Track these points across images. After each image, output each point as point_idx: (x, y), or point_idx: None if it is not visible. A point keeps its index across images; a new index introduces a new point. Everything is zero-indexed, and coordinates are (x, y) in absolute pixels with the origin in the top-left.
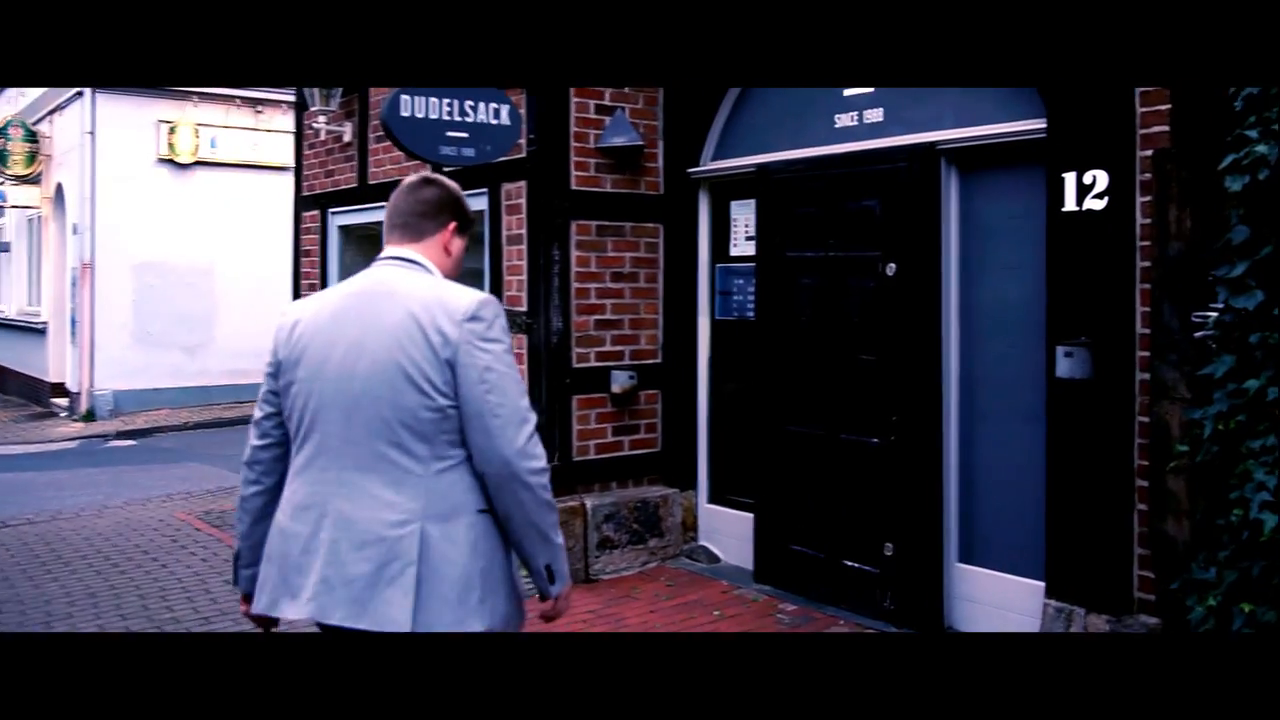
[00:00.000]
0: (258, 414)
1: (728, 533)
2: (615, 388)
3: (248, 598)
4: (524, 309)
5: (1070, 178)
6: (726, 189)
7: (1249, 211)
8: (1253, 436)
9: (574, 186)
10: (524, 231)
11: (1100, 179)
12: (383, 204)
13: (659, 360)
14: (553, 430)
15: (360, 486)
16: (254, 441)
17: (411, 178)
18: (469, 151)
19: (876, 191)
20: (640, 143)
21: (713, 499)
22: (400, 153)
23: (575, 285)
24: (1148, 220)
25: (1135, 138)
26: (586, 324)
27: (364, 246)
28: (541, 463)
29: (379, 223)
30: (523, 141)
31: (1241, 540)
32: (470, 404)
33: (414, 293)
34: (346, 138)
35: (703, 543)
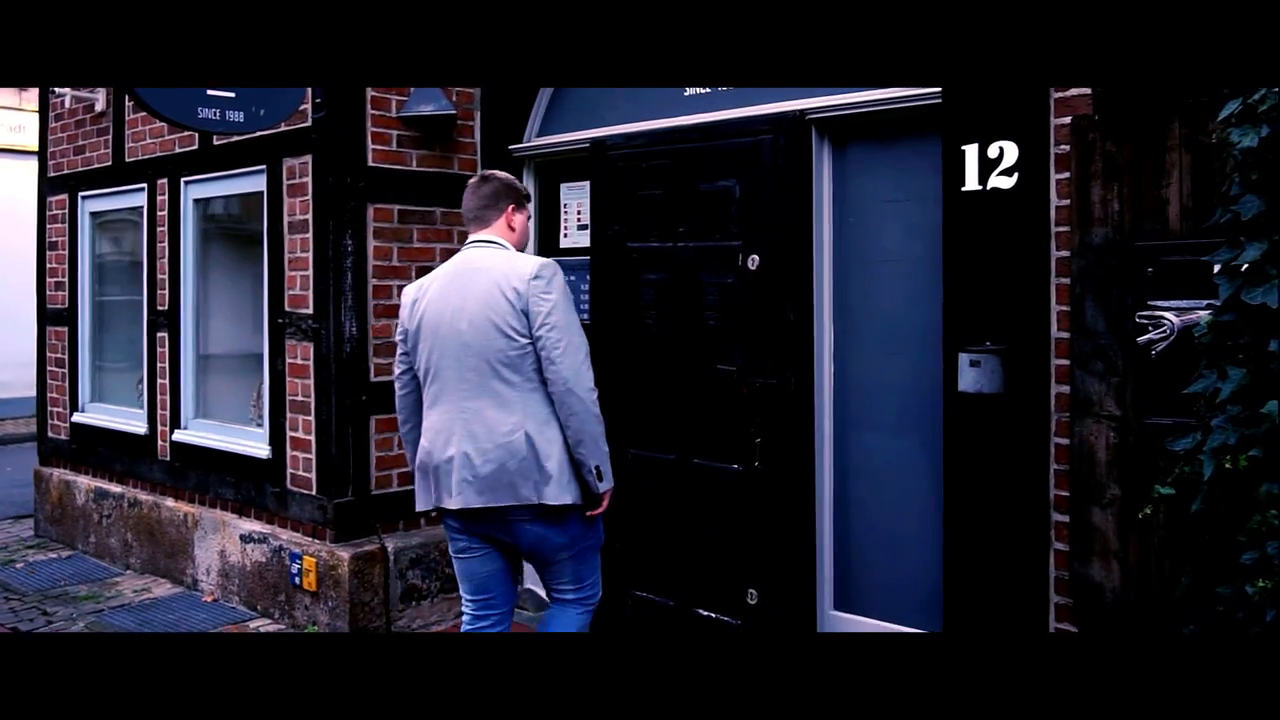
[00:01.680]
0: (396, 370)
1: None
2: None
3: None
4: (309, 311)
5: (971, 151)
6: (556, 169)
7: (1264, 176)
8: (1276, 478)
9: (371, 163)
10: (309, 217)
11: (1008, 152)
12: (143, 185)
13: None
14: (345, 459)
15: (476, 410)
16: (398, 392)
17: (472, 178)
18: (236, 116)
19: (735, 169)
20: (452, 112)
21: None
22: (162, 122)
23: (373, 282)
24: (1065, 201)
25: (1049, 103)
26: (387, 329)
27: (123, 239)
28: (591, 383)
29: (139, 208)
30: (307, 107)
31: (1265, 623)
32: (539, 341)
33: (494, 265)
34: (99, 107)
35: (529, 586)
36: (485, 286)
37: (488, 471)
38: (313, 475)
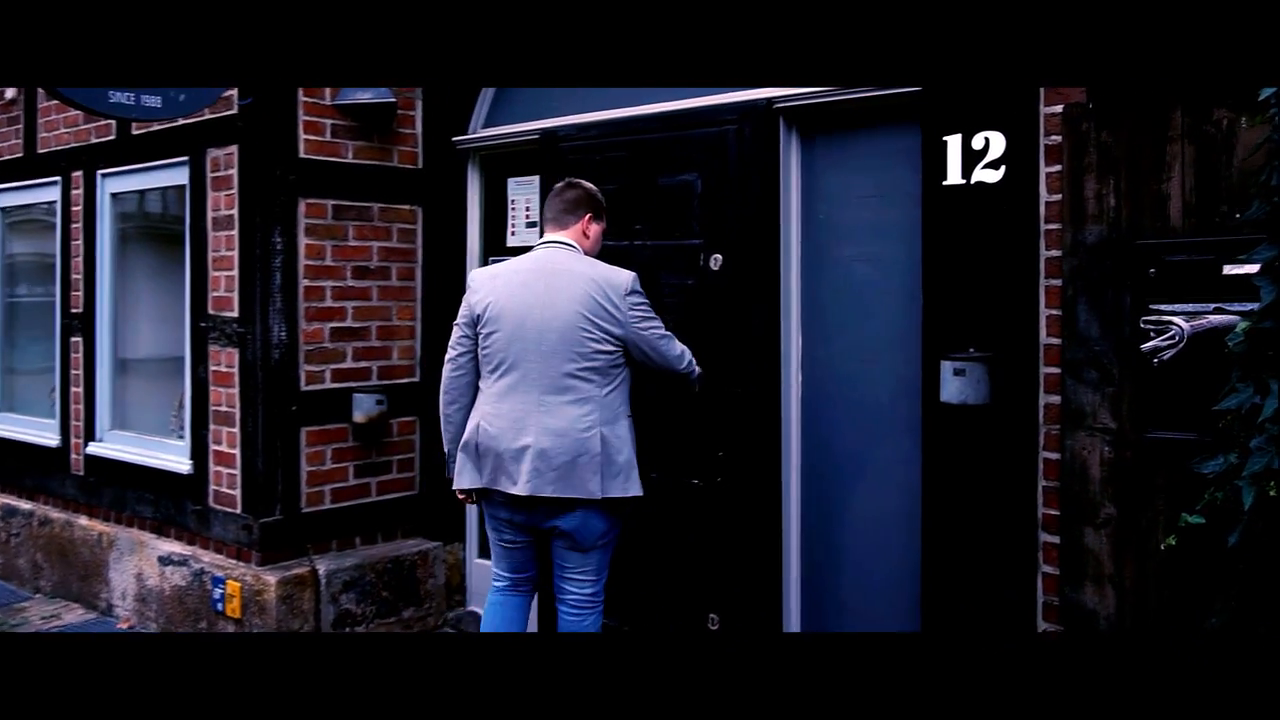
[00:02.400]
0: (453, 352)
1: None
2: (359, 416)
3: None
4: (234, 314)
5: (954, 142)
6: (504, 162)
7: None
8: None
9: (304, 154)
10: (235, 212)
11: (994, 143)
12: (56, 178)
13: (417, 379)
14: (273, 474)
15: (555, 405)
16: (450, 373)
17: (558, 183)
18: (152, 101)
19: (697, 162)
20: (392, 100)
21: (485, 553)
22: (74, 109)
23: (305, 283)
24: (1057, 197)
25: (1039, 90)
26: (320, 334)
27: (36, 238)
28: (689, 356)
29: (53, 203)
30: (233, 93)
31: None
32: (647, 355)
33: (582, 270)
34: (9, 94)
35: (473, 608)
36: (580, 289)
37: (561, 463)
38: (237, 492)
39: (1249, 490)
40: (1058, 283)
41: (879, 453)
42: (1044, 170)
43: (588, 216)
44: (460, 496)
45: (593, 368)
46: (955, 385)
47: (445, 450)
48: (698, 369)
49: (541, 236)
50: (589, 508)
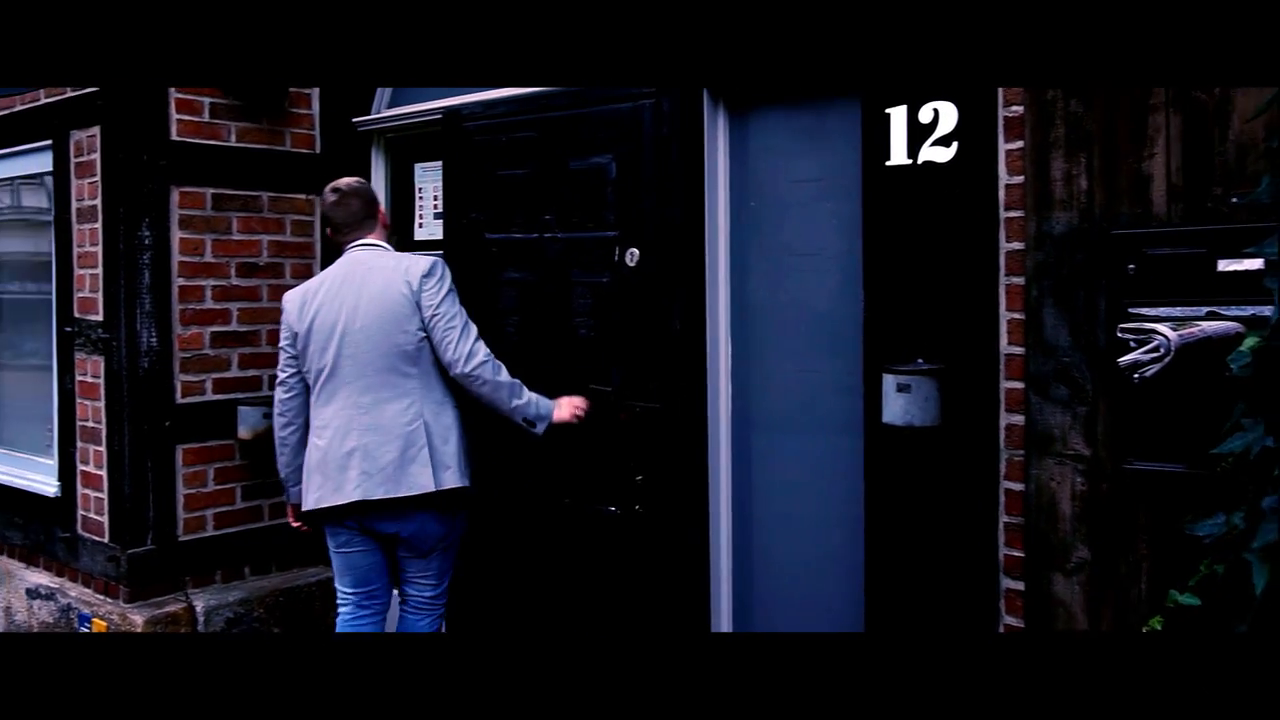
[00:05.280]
0: (282, 375)
1: None
2: (244, 431)
3: (295, 509)
4: (99, 318)
5: (898, 114)
6: (410, 146)
7: None
8: None
9: (176, 136)
10: (99, 202)
11: (945, 115)
12: None
13: None
14: (143, 499)
15: (375, 404)
16: (281, 396)
17: (329, 195)
18: None
19: (610, 142)
20: None
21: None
22: None
23: (179, 282)
24: (1018, 179)
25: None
26: (199, 339)
27: None
28: (483, 356)
29: None
30: None
31: None
32: (433, 332)
33: (385, 264)
34: None
35: None
36: (380, 285)
37: (387, 461)
38: (105, 519)
39: (1261, 568)
40: (1020, 281)
41: (820, 478)
42: (1003, 147)
43: (380, 211)
44: (294, 524)
45: (407, 358)
46: (899, 403)
47: (280, 477)
48: (499, 374)
49: (344, 248)
50: (425, 509)
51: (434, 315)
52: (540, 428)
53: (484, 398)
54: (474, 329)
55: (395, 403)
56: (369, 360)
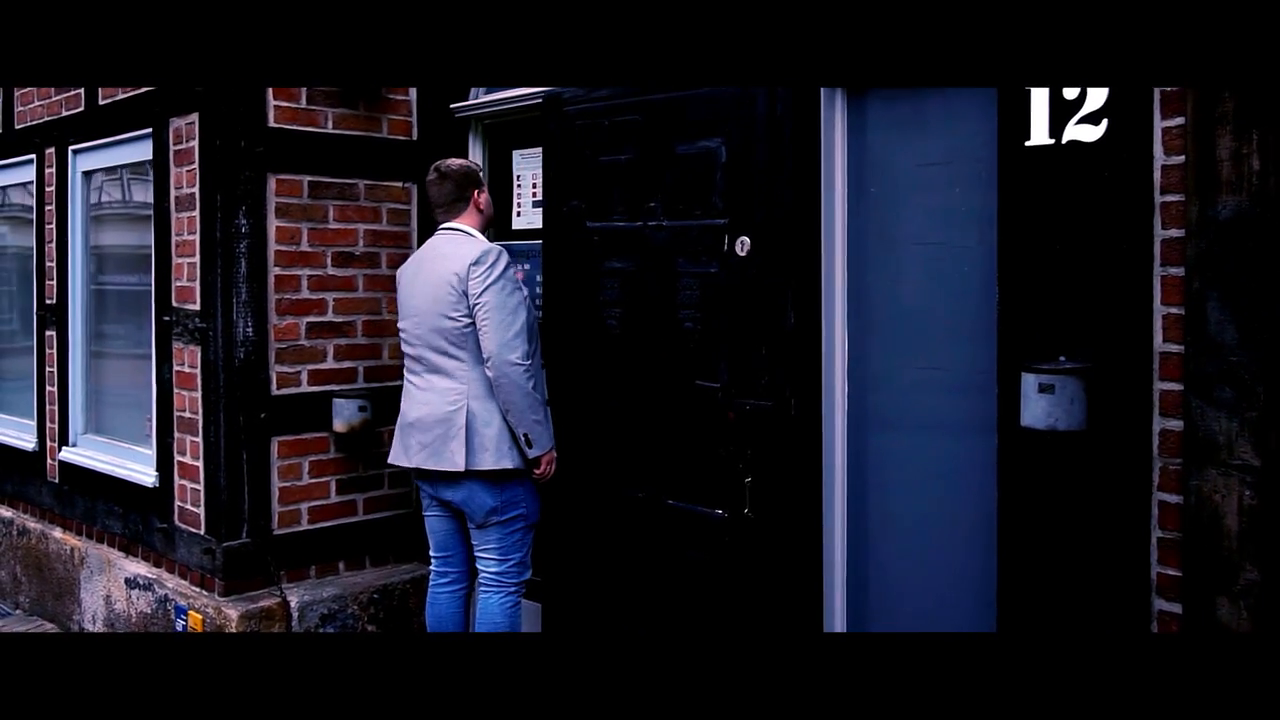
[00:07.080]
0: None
1: None
2: (339, 424)
3: None
4: (196, 307)
5: (1039, 90)
6: (509, 132)
7: None
8: None
9: (274, 123)
10: (196, 190)
11: (1093, 92)
12: (31, 156)
13: None
14: (238, 491)
15: (431, 382)
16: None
17: (430, 174)
18: None
19: (720, 125)
20: None
21: None
22: None
23: (275, 271)
24: (1178, 159)
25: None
26: (294, 329)
27: (20, 225)
28: (517, 356)
29: (29, 184)
30: None
31: None
32: (476, 321)
33: (450, 251)
34: None
35: None
36: (438, 270)
37: (434, 436)
38: (201, 510)
39: None
40: (1179, 271)
41: (945, 486)
42: (1159, 124)
43: (474, 193)
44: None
45: (454, 342)
46: (1042, 405)
47: None
48: (524, 379)
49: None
50: (472, 478)
51: (476, 304)
52: (531, 454)
53: (501, 394)
54: (517, 325)
55: (444, 382)
56: (426, 340)
